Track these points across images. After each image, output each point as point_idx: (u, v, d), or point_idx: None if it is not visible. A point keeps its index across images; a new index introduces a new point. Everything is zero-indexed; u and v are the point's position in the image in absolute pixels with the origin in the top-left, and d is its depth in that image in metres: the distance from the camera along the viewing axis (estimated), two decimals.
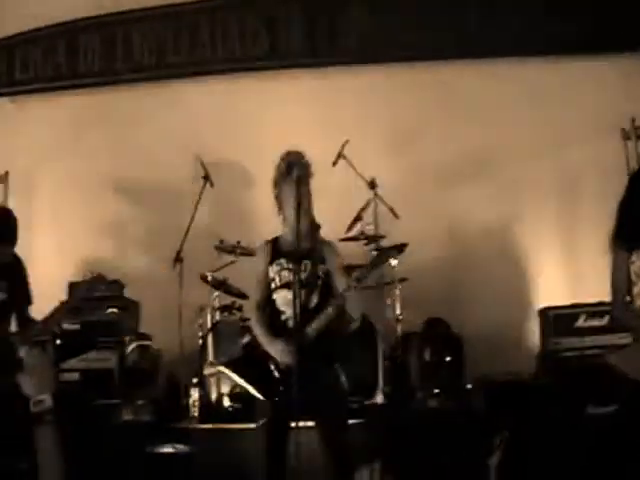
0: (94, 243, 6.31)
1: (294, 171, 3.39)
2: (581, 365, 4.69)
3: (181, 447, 4.33)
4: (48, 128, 6.55)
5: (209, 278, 5.19)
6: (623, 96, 5.59)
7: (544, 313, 5.13)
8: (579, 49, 5.92)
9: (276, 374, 3.35)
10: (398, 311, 5.06)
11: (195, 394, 4.73)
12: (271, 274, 3.49)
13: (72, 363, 4.91)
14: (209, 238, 5.41)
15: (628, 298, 2.84)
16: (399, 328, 5.06)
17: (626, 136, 5.44)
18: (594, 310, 4.85)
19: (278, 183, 3.49)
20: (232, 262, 5.32)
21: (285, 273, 3.44)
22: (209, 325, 5.24)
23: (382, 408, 4.61)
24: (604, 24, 5.78)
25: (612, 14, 5.78)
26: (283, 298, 3.42)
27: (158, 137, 6.24)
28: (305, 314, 3.30)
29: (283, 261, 3.47)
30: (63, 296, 5.47)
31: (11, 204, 6.28)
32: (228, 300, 5.38)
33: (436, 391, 4.59)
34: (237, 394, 4.67)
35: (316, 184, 3.48)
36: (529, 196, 5.92)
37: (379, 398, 4.65)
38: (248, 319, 4.80)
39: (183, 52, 6.49)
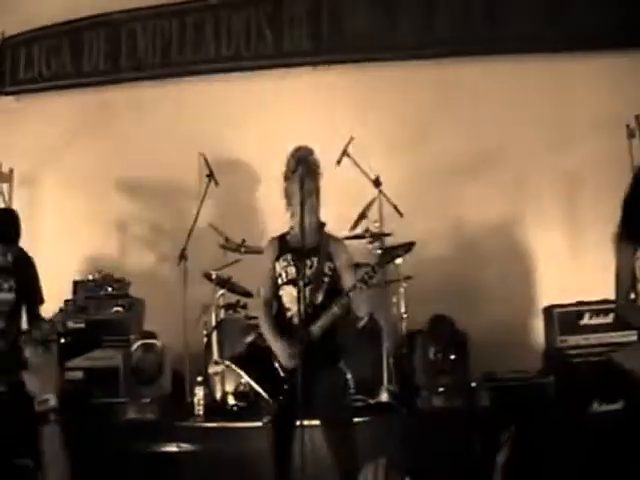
0: (99, 241, 6.33)
1: (300, 168, 3.40)
2: (586, 363, 4.68)
3: (186, 445, 4.34)
4: (53, 127, 6.55)
5: (213, 276, 5.19)
6: (627, 93, 5.57)
7: (549, 311, 5.11)
8: (583, 46, 5.89)
9: (281, 373, 3.35)
10: (403, 309, 5.04)
11: (200, 392, 4.73)
12: (278, 270, 3.49)
13: (77, 362, 4.90)
14: (213, 236, 5.41)
15: (633, 295, 2.84)
16: (404, 326, 5.05)
17: (631, 133, 5.41)
18: (599, 308, 4.83)
19: (286, 178, 3.51)
20: (237, 261, 5.31)
21: (291, 269, 3.45)
22: (214, 323, 5.24)
23: (387, 406, 4.60)
24: (607, 21, 5.76)
25: (615, 11, 5.76)
26: (289, 295, 3.43)
27: (163, 135, 6.23)
28: (310, 311, 3.30)
29: (289, 257, 3.48)
30: (68, 295, 5.54)
31: (16, 202, 6.30)
32: (233, 298, 5.38)
33: (441, 389, 4.58)
34: (242, 392, 4.66)
35: (320, 182, 3.52)
36: (534, 194, 5.89)
37: (384, 396, 4.65)
38: (253, 317, 4.85)
39: (187, 50, 6.50)
